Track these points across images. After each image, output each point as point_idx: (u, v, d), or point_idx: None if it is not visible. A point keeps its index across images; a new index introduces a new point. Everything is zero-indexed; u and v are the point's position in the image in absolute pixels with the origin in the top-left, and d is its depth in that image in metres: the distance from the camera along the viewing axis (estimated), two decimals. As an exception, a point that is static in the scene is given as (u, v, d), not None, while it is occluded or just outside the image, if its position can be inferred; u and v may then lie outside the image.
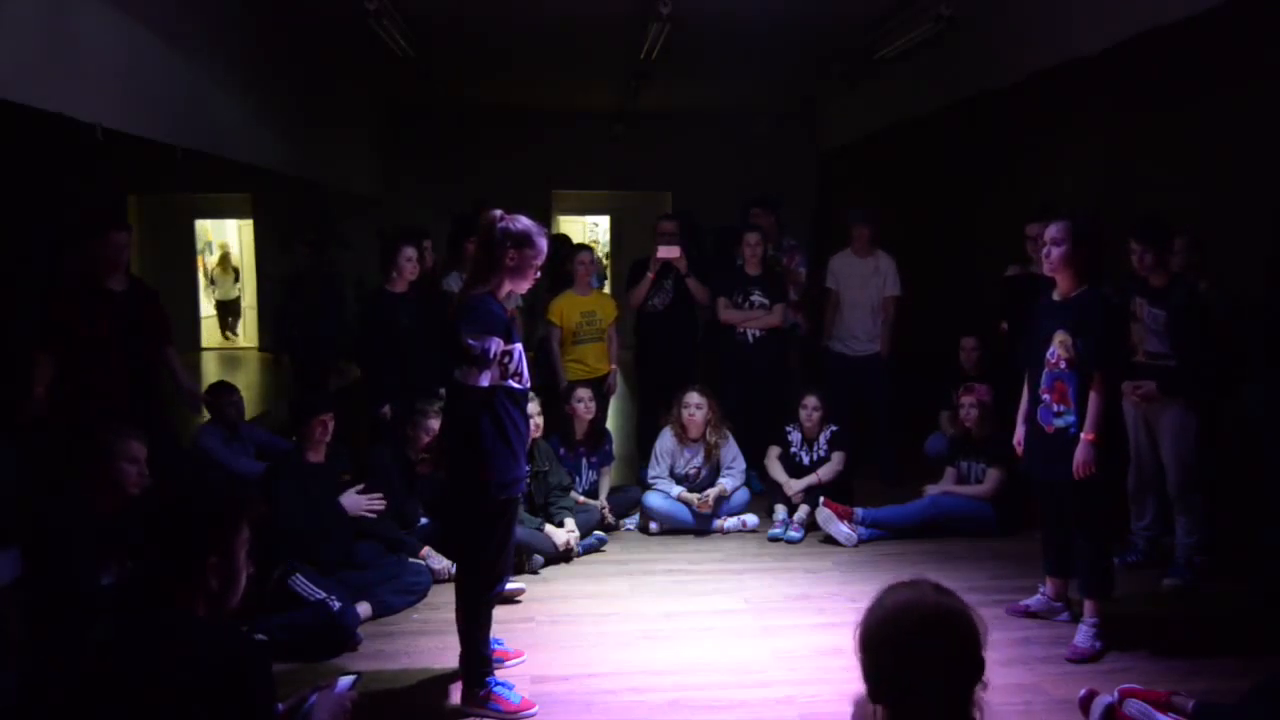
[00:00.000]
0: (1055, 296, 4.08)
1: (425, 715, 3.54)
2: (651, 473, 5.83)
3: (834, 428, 5.90)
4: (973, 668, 1.74)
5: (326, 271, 8.12)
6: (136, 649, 1.89)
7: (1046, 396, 4.05)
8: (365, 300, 6.30)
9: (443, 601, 4.24)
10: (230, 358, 13.66)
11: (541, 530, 5.09)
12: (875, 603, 1.81)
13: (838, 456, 5.82)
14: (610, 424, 6.88)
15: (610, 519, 5.67)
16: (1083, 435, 3.89)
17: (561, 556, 5.08)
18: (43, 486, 4.11)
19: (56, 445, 4.31)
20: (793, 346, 6.95)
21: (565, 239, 7.95)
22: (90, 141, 4.48)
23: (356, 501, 4.55)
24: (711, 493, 5.65)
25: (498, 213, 3.46)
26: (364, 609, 4.27)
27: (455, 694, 3.58)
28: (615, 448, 6.11)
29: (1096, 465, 3.88)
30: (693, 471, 5.80)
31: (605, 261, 13.97)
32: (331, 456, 4.64)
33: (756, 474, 6.06)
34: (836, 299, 6.64)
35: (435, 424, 4.86)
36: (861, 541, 5.39)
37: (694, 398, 5.73)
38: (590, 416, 5.77)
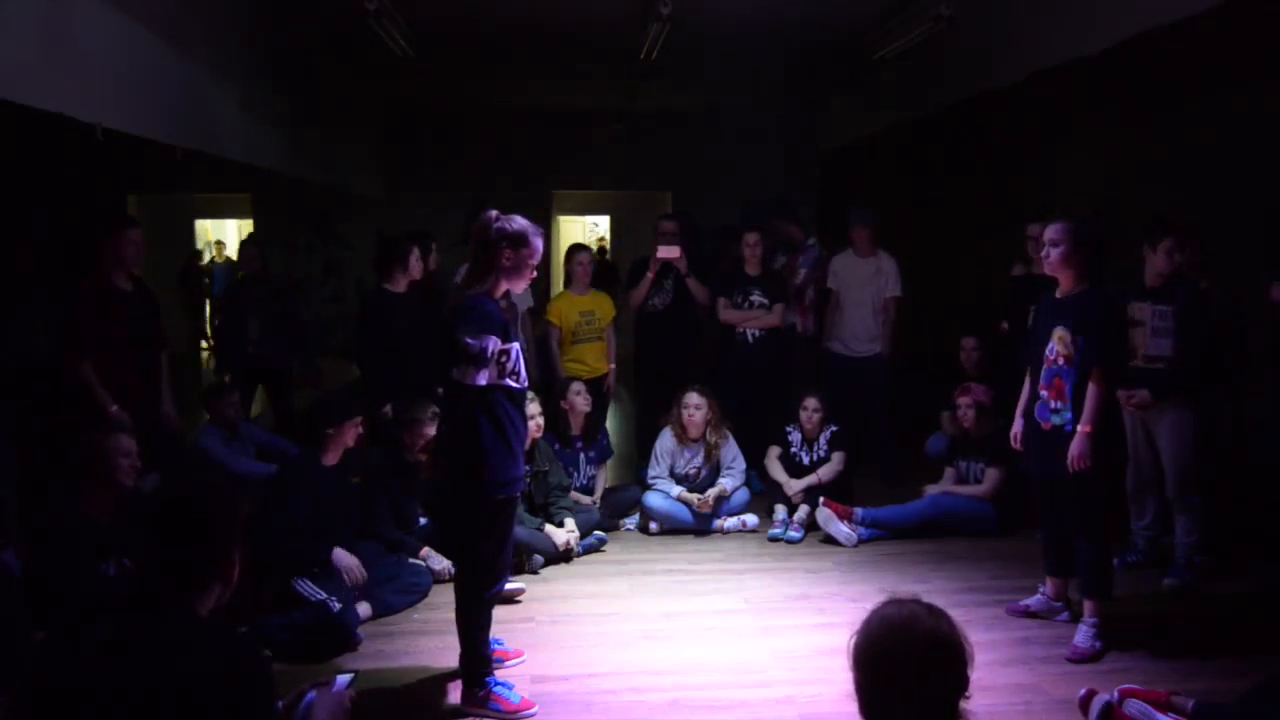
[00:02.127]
0: (1057, 294, 4.09)
1: (425, 715, 3.54)
2: (651, 473, 5.83)
3: (834, 428, 5.90)
4: (957, 689, 1.75)
5: (279, 273, 8.06)
6: (136, 649, 1.89)
7: (1044, 393, 4.05)
8: (365, 300, 6.30)
9: (443, 601, 4.23)
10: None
11: (541, 530, 5.09)
12: (865, 624, 1.81)
13: (838, 456, 5.82)
14: (609, 424, 6.88)
15: (592, 501, 5.66)
16: (1079, 427, 3.87)
17: (561, 556, 5.08)
18: (40, 486, 4.12)
19: (53, 445, 4.31)
20: (794, 347, 6.94)
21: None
22: (90, 141, 4.47)
23: (350, 563, 4.31)
24: (711, 493, 5.65)
25: (493, 213, 3.47)
26: (364, 609, 4.27)
27: (455, 694, 3.58)
28: (615, 448, 6.08)
29: (1092, 459, 3.86)
30: (693, 471, 5.79)
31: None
32: (344, 459, 4.61)
33: (756, 474, 6.06)
34: (837, 299, 6.64)
35: (426, 427, 4.86)
36: (861, 541, 5.39)
37: (694, 398, 5.73)
38: (587, 409, 5.78)
